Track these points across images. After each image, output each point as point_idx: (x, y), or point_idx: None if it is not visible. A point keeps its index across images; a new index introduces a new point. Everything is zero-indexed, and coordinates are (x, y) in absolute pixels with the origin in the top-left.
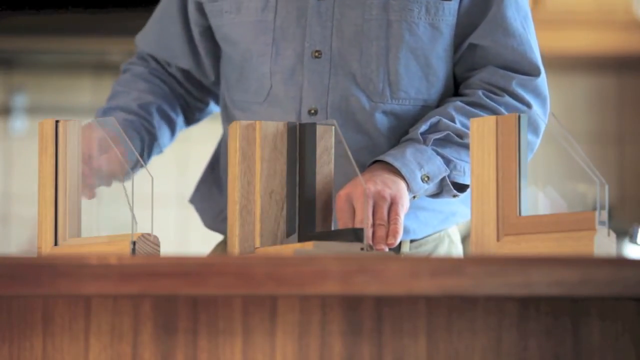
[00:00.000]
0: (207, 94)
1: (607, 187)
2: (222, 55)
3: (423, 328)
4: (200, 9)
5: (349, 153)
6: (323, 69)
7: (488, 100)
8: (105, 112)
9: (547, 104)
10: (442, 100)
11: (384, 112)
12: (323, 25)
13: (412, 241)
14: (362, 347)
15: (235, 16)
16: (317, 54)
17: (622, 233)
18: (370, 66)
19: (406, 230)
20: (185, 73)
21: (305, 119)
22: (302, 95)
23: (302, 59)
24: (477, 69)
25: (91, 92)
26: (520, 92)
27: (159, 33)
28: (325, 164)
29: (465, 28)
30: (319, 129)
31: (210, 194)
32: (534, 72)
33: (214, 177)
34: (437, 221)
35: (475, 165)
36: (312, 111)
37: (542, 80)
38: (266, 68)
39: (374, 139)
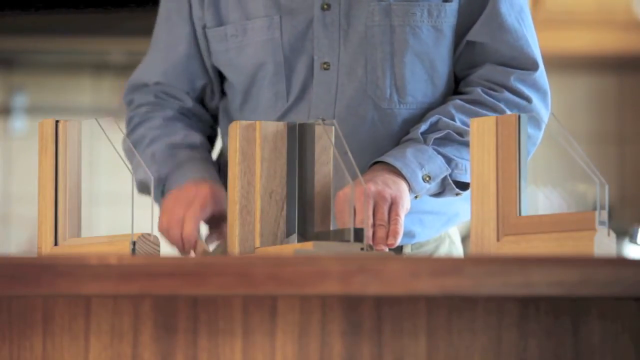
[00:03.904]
0: (214, 120)
1: (607, 187)
2: (224, 81)
3: (423, 328)
4: (205, 34)
5: (349, 154)
6: (331, 80)
7: (487, 97)
8: (171, 147)
9: (547, 97)
10: (444, 101)
11: (393, 118)
12: (330, 37)
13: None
14: (362, 347)
15: (242, 38)
16: (325, 65)
17: (622, 233)
18: (376, 72)
19: (411, 234)
20: (198, 100)
21: None
22: (311, 107)
23: (312, 72)
24: (476, 67)
25: (91, 92)
26: (520, 87)
27: (167, 59)
28: (324, 163)
29: (462, 26)
30: (318, 128)
31: None
32: (532, 67)
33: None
34: (440, 223)
35: (475, 164)
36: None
37: (541, 74)
38: (282, 87)
39: (383, 145)
